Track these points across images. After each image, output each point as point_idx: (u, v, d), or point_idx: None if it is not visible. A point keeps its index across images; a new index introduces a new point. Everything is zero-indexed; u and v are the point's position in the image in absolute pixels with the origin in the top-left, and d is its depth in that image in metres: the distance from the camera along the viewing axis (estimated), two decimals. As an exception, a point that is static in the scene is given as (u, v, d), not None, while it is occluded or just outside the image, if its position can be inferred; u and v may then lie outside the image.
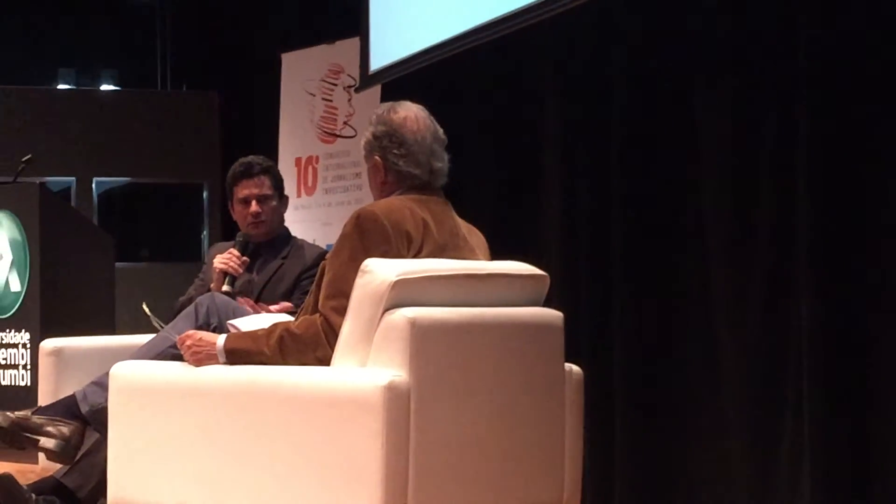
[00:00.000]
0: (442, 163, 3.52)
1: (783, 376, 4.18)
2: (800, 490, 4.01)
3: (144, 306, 3.76)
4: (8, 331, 7.47)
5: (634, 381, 4.84)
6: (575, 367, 3.54)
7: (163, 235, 11.24)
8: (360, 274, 3.14)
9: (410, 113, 3.52)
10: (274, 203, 4.68)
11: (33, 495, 4.09)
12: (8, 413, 3.88)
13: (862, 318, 3.88)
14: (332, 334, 3.20)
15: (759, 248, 4.31)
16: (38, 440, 3.86)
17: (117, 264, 8.15)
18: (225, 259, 4.51)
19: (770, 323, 4.26)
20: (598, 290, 5.06)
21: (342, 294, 3.20)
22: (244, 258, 4.53)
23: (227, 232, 8.37)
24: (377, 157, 3.51)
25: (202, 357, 3.34)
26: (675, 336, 4.73)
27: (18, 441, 3.88)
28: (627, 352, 4.86)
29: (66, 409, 3.91)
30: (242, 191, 4.67)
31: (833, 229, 3.93)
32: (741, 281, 4.38)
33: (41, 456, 4.63)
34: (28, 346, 7.22)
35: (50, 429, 3.87)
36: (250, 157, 4.75)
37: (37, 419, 3.89)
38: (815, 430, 3.90)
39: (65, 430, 3.88)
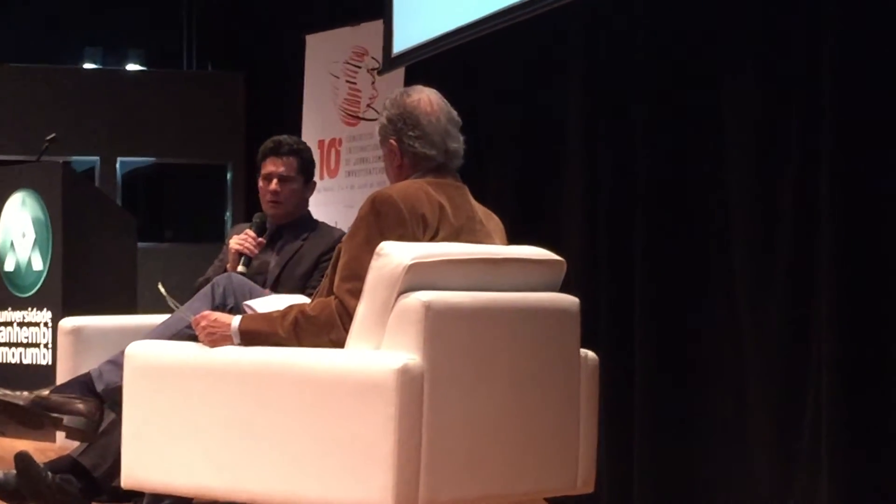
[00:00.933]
0: (457, 144, 3.51)
1: (806, 367, 4.14)
2: (819, 483, 3.98)
3: (160, 286, 3.76)
4: (30, 309, 7.51)
5: (654, 370, 4.81)
6: (590, 353, 3.52)
7: (186, 216, 11.29)
8: (375, 257, 3.12)
9: (423, 95, 3.52)
10: (295, 186, 4.67)
11: (50, 474, 4.11)
12: (26, 393, 3.89)
13: (886, 314, 3.85)
14: (346, 317, 3.19)
15: (785, 233, 4.27)
16: (62, 419, 3.86)
17: (140, 244, 8.19)
18: (240, 240, 4.51)
19: (794, 311, 4.22)
20: (619, 278, 5.04)
21: (357, 277, 3.19)
22: (260, 239, 4.54)
23: (250, 213, 8.37)
24: (392, 141, 3.50)
25: (217, 338, 3.33)
26: (696, 325, 4.70)
27: (37, 420, 3.89)
28: (647, 340, 4.84)
29: (82, 387, 3.91)
30: (268, 167, 4.67)
31: (855, 222, 3.90)
32: (766, 270, 4.35)
33: (59, 435, 4.65)
34: (49, 324, 7.26)
35: (71, 406, 3.87)
36: (284, 136, 4.74)
37: (56, 397, 3.90)
38: (834, 427, 3.87)
39: (83, 406, 3.88)
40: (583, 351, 3.49)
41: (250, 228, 4.58)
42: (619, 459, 4.94)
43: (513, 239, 3.63)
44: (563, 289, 3.51)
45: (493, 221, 3.58)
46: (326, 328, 3.21)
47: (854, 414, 3.85)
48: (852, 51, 3.92)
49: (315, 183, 4.81)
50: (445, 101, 3.54)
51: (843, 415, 3.86)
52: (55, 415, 3.87)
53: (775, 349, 4.29)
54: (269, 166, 4.67)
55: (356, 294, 3.17)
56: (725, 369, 4.55)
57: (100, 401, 3.92)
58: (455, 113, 3.54)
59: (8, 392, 3.88)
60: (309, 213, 4.81)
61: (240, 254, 4.48)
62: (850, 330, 3.88)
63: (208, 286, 3.98)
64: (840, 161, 3.93)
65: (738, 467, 4.45)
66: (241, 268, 4.41)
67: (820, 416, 3.97)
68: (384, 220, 3.26)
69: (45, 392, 3.91)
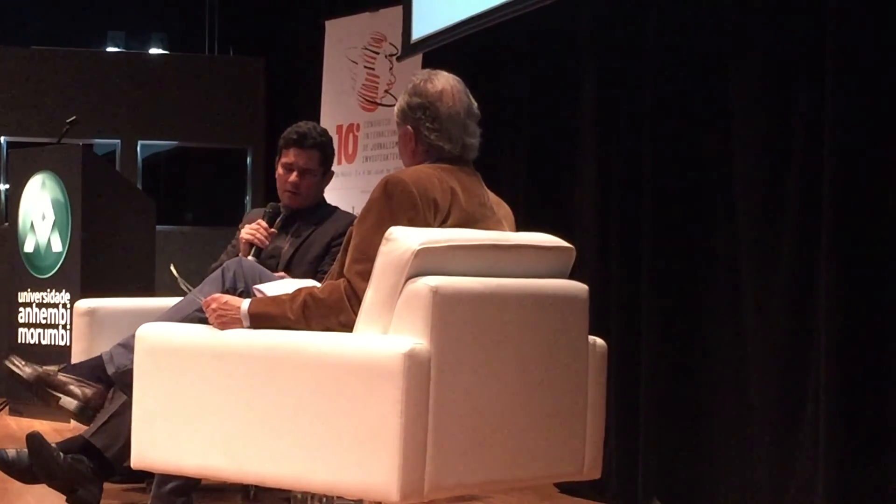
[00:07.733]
0: (474, 139, 3.49)
1: (809, 354, 4.15)
2: (817, 470, 3.99)
3: (172, 268, 3.78)
4: (49, 290, 7.56)
5: (662, 358, 4.82)
6: (599, 340, 3.52)
7: (206, 200, 11.30)
8: (383, 242, 3.12)
9: (447, 86, 3.48)
10: (315, 179, 4.67)
11: (62, 454, 4.15)
12: (36, 366, 3.94)
13: (887, 309, 3.85)
14: (355, 299, 3.18)
15: (790, 222, 4.28)
16: (59, 398, 3.91)
17: (161, 227, 8.23)
18: (252, 230, 4.53)
19: (797, 304, 4.23)
20: (630, 266, 5.04)
21: (368, 258, 3.18)
22: (272, 230, 4.55)
23: (269, 197, 8.37)
24: (409, 127, 3.49)
25: (227, 321, 3.34)
26: (704, 313, 4.71)
27: (43, 395, 3.95)
28: (656, 328, 4.85)
29: (92, 370, 3.95)
30: (290, 156, 4.66)
31: (858, 214, 3.90)
32: (770, 259, 4.36)
33: (75, 415, 4.69)
34: (68, 306, 7.31)
35: (72, 388, 3.91)
36: (310, 127, 4.69)
37: (62, 377, 3.94)
38: (833, 419, 3.88)
39: (88, 391, 3.92)
40: (591, 338, 3.48)
41: (262, 218, 4.60)
42: (629, 446, 4.96)
43: (525, 226, 3.63)
44: (575, 276, 3.50)
45: (503, 209, 3.58)
46: (335, 310, 3.22)
47: (853, 407, 3.86)
48: (856, 39, 3.92)
49: (333, 173, 4.80)
50: (467, 91, 3.51)
51: (842, 407, 3.87)
52: (54, 393, 3.92)
53: (778, 340, 4.31)
54: (291, 156, 4.65)
55: (366, 276, 3.17)
56: (731, 358, 4.57)
57: (105, 387, 3.97)
58: (475, 105, 3.51)
59: (19, 363, 3.94)
60: (324, 198, 4.82)
61: (251, 244, 4.50)
62: (850, 323, 3.88)
63: (219, 270, 4.00)
64: (844, 154, 3.94)
65: (742, 454, 4.47)
66: (251, 258, 4.42)
67: (819, 408, 3.98)
68: (396, 204, 3.25)
69: (55, 369, 3.96)
